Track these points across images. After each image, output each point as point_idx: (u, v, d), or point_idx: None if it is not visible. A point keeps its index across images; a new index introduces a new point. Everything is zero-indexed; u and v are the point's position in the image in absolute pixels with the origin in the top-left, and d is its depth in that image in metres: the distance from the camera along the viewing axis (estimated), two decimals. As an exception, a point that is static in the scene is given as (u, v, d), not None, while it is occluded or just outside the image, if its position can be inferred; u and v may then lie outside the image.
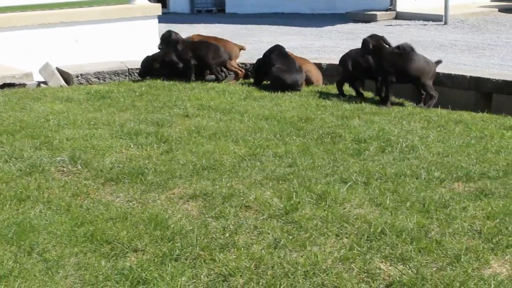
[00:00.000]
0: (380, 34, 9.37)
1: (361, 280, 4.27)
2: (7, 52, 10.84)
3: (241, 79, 10.60)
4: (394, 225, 4.92)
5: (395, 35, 14.77)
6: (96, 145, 6.78)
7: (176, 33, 10.33)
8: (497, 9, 18.03)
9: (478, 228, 4.91)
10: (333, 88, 9.82)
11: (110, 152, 6.59)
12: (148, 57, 10.41)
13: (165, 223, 5.00)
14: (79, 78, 10.36)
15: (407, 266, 4.40)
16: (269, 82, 10.03)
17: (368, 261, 4.45)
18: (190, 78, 10.18)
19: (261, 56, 10.38)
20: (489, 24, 16.23)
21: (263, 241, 4.75)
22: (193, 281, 4.26)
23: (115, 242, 4.73)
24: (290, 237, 4.80)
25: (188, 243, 4.70)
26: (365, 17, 17.45)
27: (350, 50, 9.77)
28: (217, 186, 5.72)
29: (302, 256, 4.53)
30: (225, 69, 10.47)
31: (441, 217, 5.07)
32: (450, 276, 4.24)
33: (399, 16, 17.55)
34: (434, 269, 4.37)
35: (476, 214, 5.13)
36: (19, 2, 11.20)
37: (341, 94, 9.46)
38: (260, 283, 4.23)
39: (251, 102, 8.89)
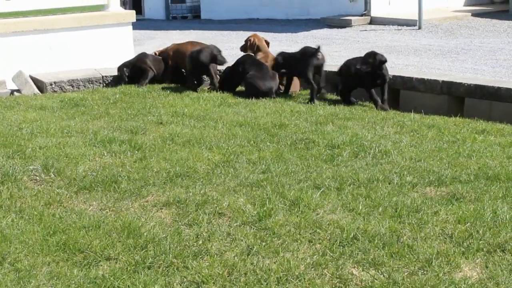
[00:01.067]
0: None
1: (333, 286, 4.30)
2: (-20, 61, 10.77)
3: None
4: (367, 230, 4.95)
5: (370, 40, 14.86)
6: (69, 153, 6.75)
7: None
8: (470, 14, 18.20)
9: (449, 232, 4.95)
10: (307, 94, 9.84)
11: (84, 160, 6.57)
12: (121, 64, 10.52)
13: (138, 231, 5.00)
14: (53, 86, 10.32)
15: (379, 271, 4.43)
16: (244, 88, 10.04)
17: (340, 267, 4.48)
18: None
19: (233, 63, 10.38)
20: (462, 28, 16.37)
21: (236, 248, 4.76)
22: (166, 289, 4.27)
23: (88, 250, 4.72)
24: (263, 243, 4.81)
25: (161, 251, 4.70)
26: (340, 23, 17.52)
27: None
28: (191, 193, 5.72)
29: (275, 263, 4.54)
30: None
31: (413, 222, 5.11)
32: (421, 280, 4.28)
33: (374, 21, 17.63)
34: (405, 273, 4.40)
35: (448, 218, 5.18)
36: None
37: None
38: (233, 290, 4.24)
39: (225, 108, 8.90)
